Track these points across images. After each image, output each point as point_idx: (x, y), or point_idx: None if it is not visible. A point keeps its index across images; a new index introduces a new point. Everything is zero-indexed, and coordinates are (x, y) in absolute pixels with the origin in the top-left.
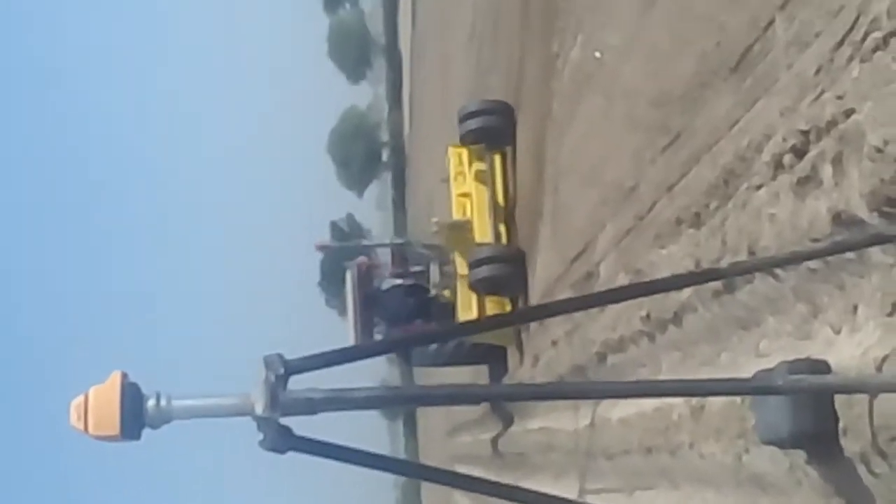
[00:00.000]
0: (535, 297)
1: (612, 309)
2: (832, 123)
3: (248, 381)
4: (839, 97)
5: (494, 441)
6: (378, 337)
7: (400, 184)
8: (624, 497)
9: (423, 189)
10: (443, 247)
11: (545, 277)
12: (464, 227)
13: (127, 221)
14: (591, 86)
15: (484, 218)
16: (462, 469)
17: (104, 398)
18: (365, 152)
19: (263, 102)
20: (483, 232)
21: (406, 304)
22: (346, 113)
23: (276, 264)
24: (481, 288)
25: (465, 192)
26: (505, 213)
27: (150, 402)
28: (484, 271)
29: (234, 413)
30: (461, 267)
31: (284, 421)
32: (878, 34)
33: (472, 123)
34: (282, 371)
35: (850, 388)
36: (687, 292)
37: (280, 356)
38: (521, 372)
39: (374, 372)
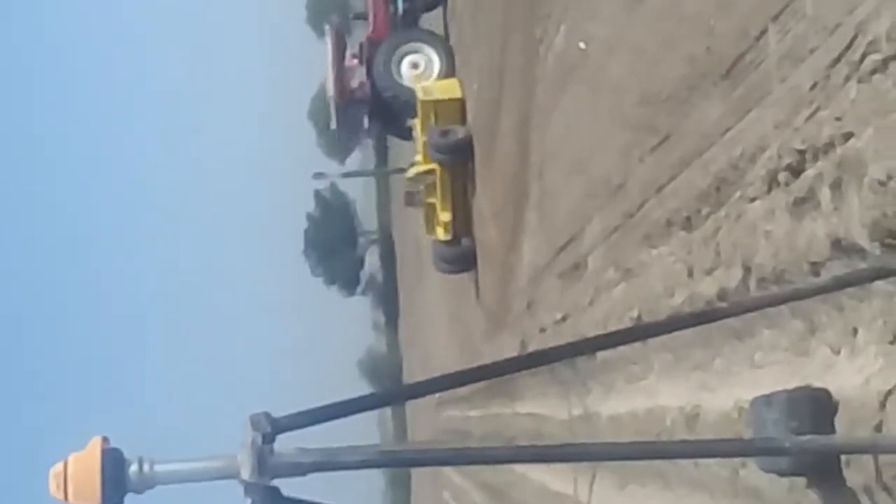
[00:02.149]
0: (522, 281)
1: (602, 305)
2: (830, 146)
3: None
4: (837, 118)
5: None
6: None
7: (382, 150)
8: (616, 490)
9: (406, 154)
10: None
11: (532, 263)
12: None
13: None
14: (576, 76)
15: (446, 219)
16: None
17: (84, 465)
18: None
19: (241, 70)
20: (445, 230)
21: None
22: (326, 79)
23: (258, 234)
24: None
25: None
26: (464, 208)
27: (133, 468)
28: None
29: (219, 477)
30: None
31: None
32: (877, 56)
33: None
34: (269, 430)
35: (859, 450)
36: (679, 298)
37: (267, 415)
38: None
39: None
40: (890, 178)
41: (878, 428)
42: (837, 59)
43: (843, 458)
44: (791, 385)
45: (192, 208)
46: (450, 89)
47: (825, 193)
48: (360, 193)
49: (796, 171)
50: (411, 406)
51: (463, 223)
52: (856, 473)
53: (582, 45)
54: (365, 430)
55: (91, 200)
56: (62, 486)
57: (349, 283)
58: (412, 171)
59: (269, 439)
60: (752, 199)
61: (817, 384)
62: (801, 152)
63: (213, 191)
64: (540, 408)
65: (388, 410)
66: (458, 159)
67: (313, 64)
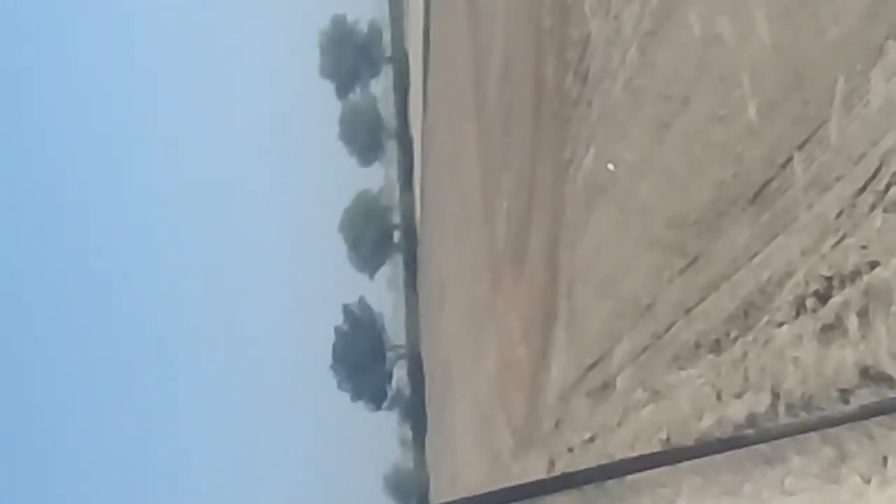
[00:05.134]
0: (550, 400)
1: (631, 426)
2: (856, 273)
3: None
4: (863, 246)
5: None
6: None
7: (411, 265)
8: None
9: (435, 270)
10: None
11: (561, 382)
12: None
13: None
14: (605, 197)
15: None
16: None
17: None
18: (376, 234)
19: (275, 186)
20: None
21: None
22: (357, 196)
23: (287, 348)
24: None
25: None
26: None
27: None
28: None
29: None
30: None
31: None
32: None
33: None
34: None
35: None
36: (708, 421)
37: None
38: (537, 474)
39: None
40: None
41: None
42: (863, 188)
43: None
44: None
45: (222, 320)
46: None
47: (852, 321)
48: (389, 308)
49: (823, 298)
50: None
51: None
52: None
53: (611, 166)
54: None
55: (122, 314)
56: None
57: (376, 397)
58: None
59: None
60: (780, 324)
61: None
62: (828, 279)
63: (244, 304)
64: None
65: None
66: None
67: (345, 179)
